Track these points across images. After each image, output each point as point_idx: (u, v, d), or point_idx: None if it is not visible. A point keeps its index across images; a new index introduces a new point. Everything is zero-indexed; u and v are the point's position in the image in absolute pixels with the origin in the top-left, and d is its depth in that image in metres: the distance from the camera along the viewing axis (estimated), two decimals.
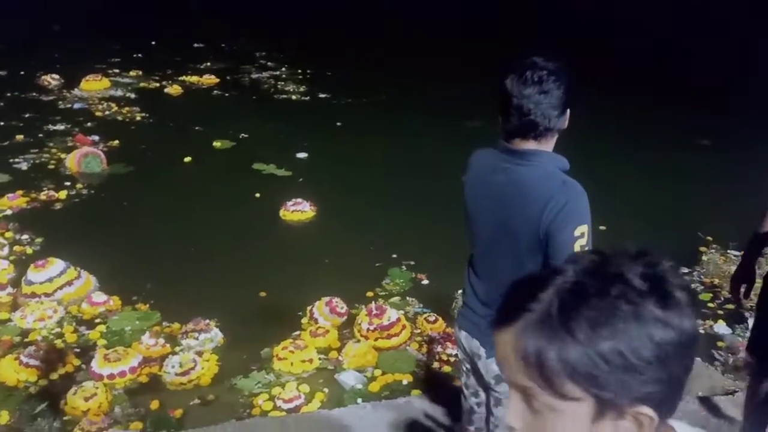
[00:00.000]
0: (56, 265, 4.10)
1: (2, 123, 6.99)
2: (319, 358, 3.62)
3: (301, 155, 6.68)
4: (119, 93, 8.32)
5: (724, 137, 7.16)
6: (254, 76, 9.62)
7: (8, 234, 4.76)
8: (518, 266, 1.84)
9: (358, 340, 3.77)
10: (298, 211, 5.38)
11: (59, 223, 5.09)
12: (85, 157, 6.02)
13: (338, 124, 7.72)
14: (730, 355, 3.70)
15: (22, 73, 8.72)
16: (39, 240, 4.73)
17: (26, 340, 3.68)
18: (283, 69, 9.90)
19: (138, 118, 7.52)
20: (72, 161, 6.00)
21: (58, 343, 3.65)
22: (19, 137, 6.62)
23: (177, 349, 3.67)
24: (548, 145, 1.86)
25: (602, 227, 5.08)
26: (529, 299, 0.72)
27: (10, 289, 4.06)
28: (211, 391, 3.41)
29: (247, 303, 4.15)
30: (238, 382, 3.45)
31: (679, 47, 10.38)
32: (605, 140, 6.99)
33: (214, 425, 3.01)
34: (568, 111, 1.85)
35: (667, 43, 10.67)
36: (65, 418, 3.13)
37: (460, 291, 4.28)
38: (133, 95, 8.30)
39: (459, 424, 2.37)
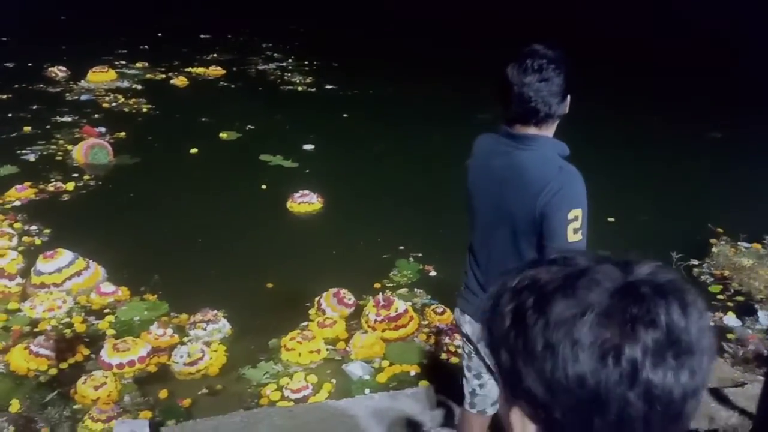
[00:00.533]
0: (65, 255, 4.12)
1: (10, 115, 7.00)
2: (327, 349, 3.63)
3: (308, 147, 6.67)
4: (126, 84, 8.32)
5: (734, 130, 7.10)
6: (261, 67, 9.60)
7: (17, 225, 4.78)
8: (514, 247, 1.89)
9: (366, 331, 3.77)
10: (306, 202, 5.37)
11: (67, 214, 5.11)
12: (92, 149, 6.03)
13: (345, 115, 7.70)
14: (739, 347, 3.68)
15: (29, 65, 8.73)
16: (47, 231, 4.75)
17: (36, 329, 3.70)
18: (290, 60, 9.88)
19: (144, 110, 7.52)
20: (79, 153, 6.01)
21: (68, 332, 3.67)
22: (27, 129, 6.63)
23: (185, 339, 3.68)
24: (549, 130, 1.89)
25: (611, 219, 5.08)
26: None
27: (19, 280, 4.08)
28: (219, 381, 3.43)
29: (254, 294, 4.16)
30: (246, 373, 3.46)
31: (688, 37, 10.28)
32: (614, 133, 6.95)
33: (223, 415, 3.02)
34: (569, 97, 1.87)
35: (676, 33, 10.57)
36: (75, 406, 3.16)
37: None
38: (139, 87, 8.31)
39: (461, 407, 2.37)
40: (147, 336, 3.65)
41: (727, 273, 4.47)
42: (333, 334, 3.75)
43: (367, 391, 3.32)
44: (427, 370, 3.54)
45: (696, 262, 4.62)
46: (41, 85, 8.08)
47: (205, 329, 3.72)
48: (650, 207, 5.48)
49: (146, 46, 10.04)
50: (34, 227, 4.79)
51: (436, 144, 6.63)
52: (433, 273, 4.49)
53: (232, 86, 8.71)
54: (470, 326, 2.08)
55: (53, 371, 3.37)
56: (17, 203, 5.15)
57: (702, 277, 4.49)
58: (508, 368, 0.65)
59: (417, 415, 3.03)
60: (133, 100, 7.77)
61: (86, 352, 3.54)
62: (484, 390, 2.19)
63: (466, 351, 2.19)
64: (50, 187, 5.44)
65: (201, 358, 3.50)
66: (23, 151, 6.13)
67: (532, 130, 1.85)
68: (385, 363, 3.56)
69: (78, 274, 4.08)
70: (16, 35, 9.92)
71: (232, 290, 4.13)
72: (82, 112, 7.24)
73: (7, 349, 3.50)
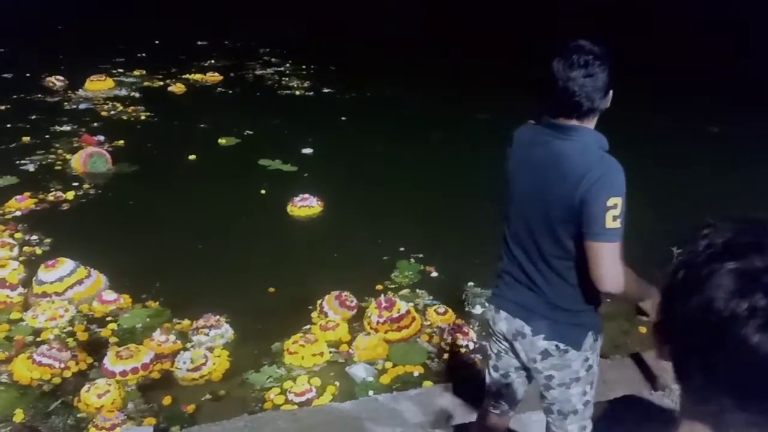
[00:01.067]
0: (66, 264, 4.12)
1: (9, 125, 7.01)
2: (330, 352, 3.63)
3: (307, 150, 6.68)
4: (124, 92, 8.34)
5: (734, 127, 7.11)
6: (258, 72, 9.62)
7: (18, 235, 4.79)
8: (551, 237, 1.89)
9: (369, 333, 3.77)
10: (306, 206, 5.38)
11: (67, 223, 5.11)
12: (90, 157, 6.03)
13: (343, 118, 7.71)
14: None
15: (27, 75, 8.75)
16: (48, 240, 4.75)
17: (38, 339, 3.70)
18: (287, 65, 9.89)
19: (143, 117, 7.53)
20: (77, 162, 6.02)
21: (70, 341, 3.67)
22: (26, 139, 6.64)
23: (188, 345, 3.68)
24: (590, 123, 1.92)
25: None
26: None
27: (21, 290, 4.08)
28: (222, 386, 3.42)
29: (256, 298, 4.16)
30: (249, 377, 3.46)
31: (686, 33, 10.28)
32: (614, 133, 6.94)
33: (227, 420, 3.02)
34: (611, 92, 1.91)
35: (673, 28, 10.58)
36: (79, 415, 3.15)
37: (470, 283, 4.29)
38: (137, 94, 8.32)
39: (481, 407, 2.35)
40: (150, 343, 3.64)
41: None
42: (336, 336, 3.75)
43: (370, 392, 3.32)
44: (430, 370, 3.55)
45: None
46: (39, 95, 8.09)
47: (207, 335, 3.72)
48: (650, 203, 5.48)
49: (143, 54, 10.06)
50: (34, 237, 4.80)
51: (435, 145, 6.63)
52: (434, 273, 4.49)
53: (230, 92, 8.73)
54: (506, 323, 2.05)
55: (57, 380, 3.37)
56: (17, 213, 5.16)
57: None
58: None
59: (421, 416, 3.03)
60: (132, 107, 7.79)
61: (89, 360, 3.54)
62: (509, 389, 2.19)
63: (495, 351, 2.16)
64: (50, 197, 5.44)
65: (204, 364, 3.50)
66: (22, 162, 6.14)
67: (573, 122, 1.89)
68: (389, 364, 3.56)
69: (79, 282, 4.08)
70: (13, 45, 9.93)
71: (233, 295, 4.13)
72: (80, 120, 7.25)
73: (10, 359, 3.50)
